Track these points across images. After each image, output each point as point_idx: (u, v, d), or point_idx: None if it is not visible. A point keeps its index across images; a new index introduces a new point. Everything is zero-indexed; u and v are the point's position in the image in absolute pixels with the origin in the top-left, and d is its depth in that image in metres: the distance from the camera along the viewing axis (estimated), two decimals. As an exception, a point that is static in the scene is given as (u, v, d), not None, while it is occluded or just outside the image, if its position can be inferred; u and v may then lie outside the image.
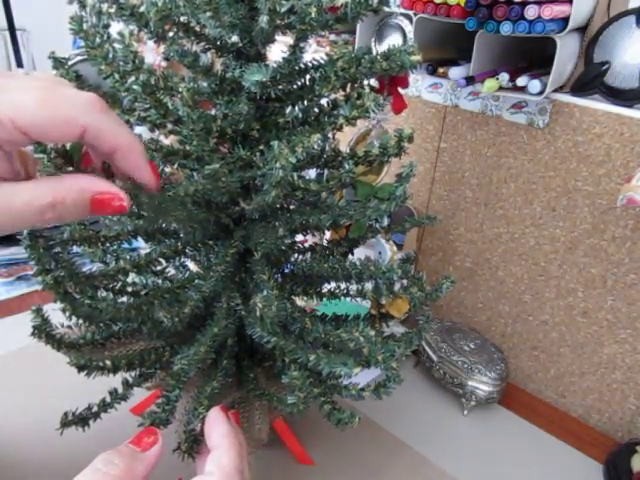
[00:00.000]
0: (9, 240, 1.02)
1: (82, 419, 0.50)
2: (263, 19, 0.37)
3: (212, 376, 0.52)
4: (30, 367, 0.79)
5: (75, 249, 0.50)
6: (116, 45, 0.41)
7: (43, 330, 0.47)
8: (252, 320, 0.47)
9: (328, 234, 0.68)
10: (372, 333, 0.44)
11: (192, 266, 0.61)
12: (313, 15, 0.38)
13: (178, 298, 0.49)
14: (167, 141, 0.47)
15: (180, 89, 0.41)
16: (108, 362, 0.49)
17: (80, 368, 0.49)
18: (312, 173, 0.63)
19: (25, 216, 0.28)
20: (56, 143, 0.34)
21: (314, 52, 0.98)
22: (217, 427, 0.41)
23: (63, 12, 0.48)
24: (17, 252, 1.01)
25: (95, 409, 0.52)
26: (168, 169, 0.50)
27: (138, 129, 0.48)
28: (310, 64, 0.46)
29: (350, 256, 0.61)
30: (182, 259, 0.58)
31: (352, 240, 0.60)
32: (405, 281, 0.52)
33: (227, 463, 0.37)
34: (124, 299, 0.52)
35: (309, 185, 0.43)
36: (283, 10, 0.39)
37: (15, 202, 0.27)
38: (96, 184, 0.30)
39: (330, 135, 0.53)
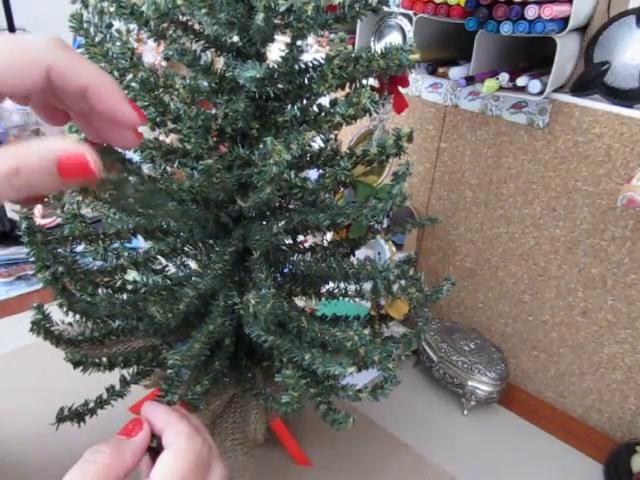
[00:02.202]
0: (9, 240, 1.03)
1: (77, 414, 0.50)
2: (259, 17, 0.37)
3: (201, 377, 0.52)
4: (30, 367, 0.79)
5: (78, 248, 0.50)
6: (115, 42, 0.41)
7: (42, 326, 0.47)
8: (249, 319, 0.47)
9: (329, 235, 0.67)
10: (366, 332, 0.44)
11: (194, 265, 0.61)
12: (309, 13, 0.38)
13: (174, 295, 0.49)
14: (168, 140, 0.47)
15: (177, 86, 0.41)
16: (104, 358, 0.49)
17: (76, 364, 0.49)
18: (314, 174, 0.63)
19: None
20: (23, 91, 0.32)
21: (315, 52, 0.98)
22: (157, 412, 0.38)
23: (63, 12, 0.48)
24: (17, 252, 1.01)
25: (91, 405, 0.52)
26: (169, 168, 0.50)
27: (139, 129, 0.48)
28: (310, 63, 0.46)
29: (351, 257, 0.61)
30: (183, 258, 0.58)
31: (353, 241, 0.60)
32: (404, 282, 0.51)
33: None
34: (124, 296, 0.52)
35: (305, 183, 0.43)
36: (282, 9, 0.39)
37: None
38: (61, 143, 0.28)
39: (333, 135, 0.53)
